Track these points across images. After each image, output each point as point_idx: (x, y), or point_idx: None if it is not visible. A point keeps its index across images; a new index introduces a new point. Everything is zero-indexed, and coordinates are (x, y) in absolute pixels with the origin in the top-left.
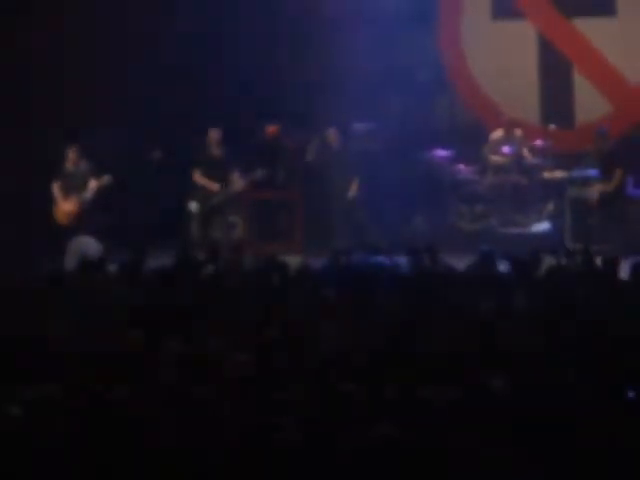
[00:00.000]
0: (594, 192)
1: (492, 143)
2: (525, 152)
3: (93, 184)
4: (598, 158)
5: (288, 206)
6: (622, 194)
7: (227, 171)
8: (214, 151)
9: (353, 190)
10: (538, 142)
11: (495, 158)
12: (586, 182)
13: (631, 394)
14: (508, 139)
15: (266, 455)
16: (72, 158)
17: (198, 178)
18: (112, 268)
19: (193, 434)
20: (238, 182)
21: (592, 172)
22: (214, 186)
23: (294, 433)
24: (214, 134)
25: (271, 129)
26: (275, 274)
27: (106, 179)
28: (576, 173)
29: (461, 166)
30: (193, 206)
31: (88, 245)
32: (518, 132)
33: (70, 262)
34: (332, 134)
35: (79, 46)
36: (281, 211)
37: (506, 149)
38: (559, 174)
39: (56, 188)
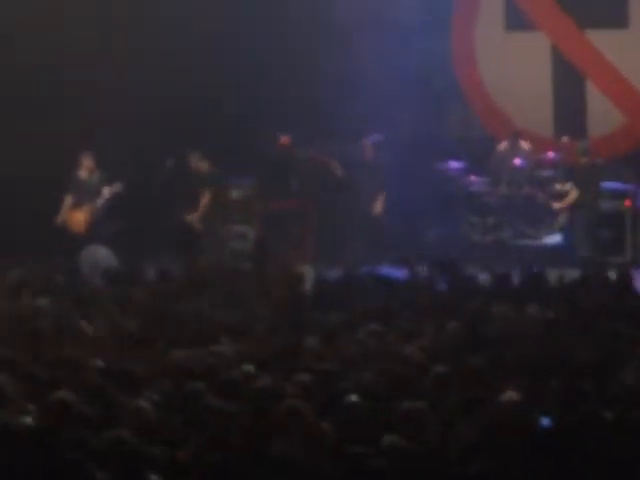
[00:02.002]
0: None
1: (499, 155)
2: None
3: (106, 192)
4: (574, 172)
5: (300, 216)
6: (591, 209)
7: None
8: (198, 169)
9: (379, 205)
10: (550, 154)
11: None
12: (616, 195)
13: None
14: (514, 151)
15: None
16: (87, 165)
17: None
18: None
19: None
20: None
21: (616, 185)
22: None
23: None
24: (193, 158)
25: (283, 139)
26: None
27: (117, 187)
28: (603, 186)
29: (473, 178)
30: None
31: (101, 254)
32: (525, 144)
33: (85, 270)
34: (367, 146)
35: (87, 52)
36: (293, 221)
37: (517, 161)
38: (569, 186)
39: (68, 198)
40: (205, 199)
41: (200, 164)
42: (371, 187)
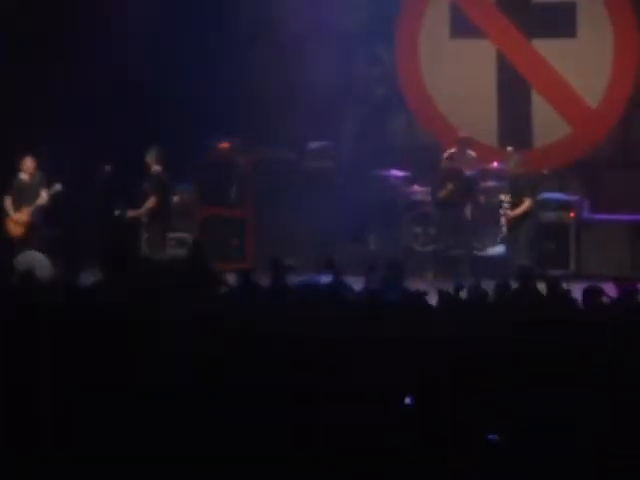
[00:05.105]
0: (503, 219)
1: (446, 162)
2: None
3: (44, 194)
4: (509, 182)
5: (240, 225)
6: (534, 220)
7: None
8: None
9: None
10: (495, 164)
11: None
12: (560, 206)
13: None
14: (462, 159)
15: None
16: (28, 168)
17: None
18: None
19: None
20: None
21: (560, 196)
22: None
23: None
24: (149, 155)
25: (223, 145)
26: None
27: (57, 187)
28: (547, 196)
29: (416, 187)
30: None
31: (37, 261)
32: (472, 153)
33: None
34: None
35: (33, 59)
36: (233, 230)
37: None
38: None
39: (8, 201)
40: (150, 202)
41: (153, 164)
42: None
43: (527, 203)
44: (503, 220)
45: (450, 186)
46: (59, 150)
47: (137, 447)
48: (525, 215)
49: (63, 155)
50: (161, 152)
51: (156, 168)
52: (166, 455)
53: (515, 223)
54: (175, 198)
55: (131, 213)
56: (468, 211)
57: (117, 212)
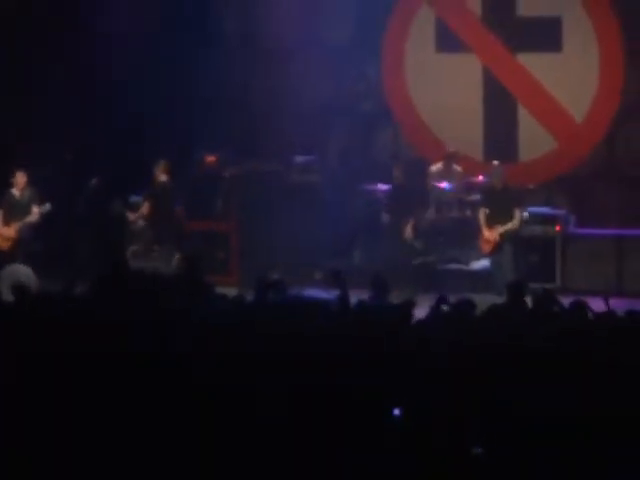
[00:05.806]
0: (494, 234)
1: (432, 176)
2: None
3: (36, 211)
4: (492, 196)
5: (225, 238)
6: (518, 234)
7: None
8: (159, 180)
9: (409, 229)
10: (480, 178)
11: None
12: (546, 220)
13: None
14: (447, 173)
15: None
16: (20, 183)
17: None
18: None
19: None
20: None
21: (546, 210)
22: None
23: None
24: (157, 166)
25: (210, 159)
26: None
27: (46, 207)
28: (533, 210)
29: None
30: None
31: (23, 274)
32: (458, 168)
33: (3, 289)
34: (398, 169)
35: (33, 59)
36: (218, 243)
37: (444, 184)
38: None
39: None
40: (145, 208)
41: (160, 175)
42: (402, 209)
43: (519, 213)
44: (492, 237)
45: (386, 217)
46: (55, 151)
47: (137, 449)
48: (520, 228)
49: (60, 156)
50: (169, 164)
51: (163, 178)
52: (166, 455)
53: (505, 238)
54: None
55: (130, 217)
56: (410, 227)
57: (115, 209)
